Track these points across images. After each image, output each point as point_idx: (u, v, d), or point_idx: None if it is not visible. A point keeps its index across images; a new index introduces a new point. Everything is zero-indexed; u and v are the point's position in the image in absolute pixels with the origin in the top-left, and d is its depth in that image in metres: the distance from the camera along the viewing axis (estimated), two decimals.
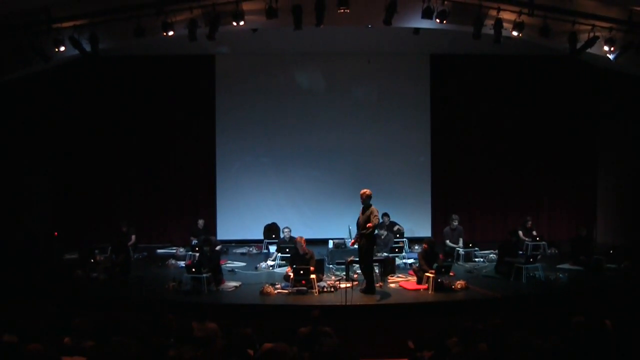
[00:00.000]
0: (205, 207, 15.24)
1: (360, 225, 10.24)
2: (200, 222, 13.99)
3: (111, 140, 15.12)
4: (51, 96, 14.62)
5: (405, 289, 10.71)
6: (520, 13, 10.72)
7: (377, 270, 11.23)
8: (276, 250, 12.72)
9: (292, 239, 12.14)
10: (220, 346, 6.60)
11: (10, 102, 13.43)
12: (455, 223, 13.31)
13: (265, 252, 14.00)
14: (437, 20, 10.75)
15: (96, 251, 12.34)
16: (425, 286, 10.52)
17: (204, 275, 10.33)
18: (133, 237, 13.66)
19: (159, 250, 14.31)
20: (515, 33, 10.88)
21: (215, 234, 14.65)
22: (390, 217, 13.87)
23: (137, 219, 14.39)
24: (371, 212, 10.09)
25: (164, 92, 15.24)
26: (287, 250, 12.06)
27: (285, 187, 15.39)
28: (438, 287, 10.36)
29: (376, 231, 10.96)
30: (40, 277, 11.42)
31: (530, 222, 13.88)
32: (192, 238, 13.64)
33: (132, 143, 15.24)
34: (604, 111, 15.40)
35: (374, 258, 10.83)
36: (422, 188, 15.48)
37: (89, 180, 15.00)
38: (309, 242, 11.98)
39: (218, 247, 12.82)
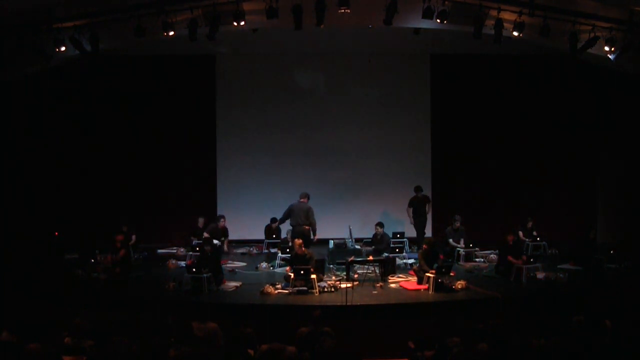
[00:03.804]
0: (206, 207, 15.22)
1: None
2: (201, 220, 13.97)
3: (111, 140, 15.12)
4: (51, 96, 14.61)
5: (405, 289, 10.71)
6: (520, 13, 10.71)
7: (377, 270, 11.27)
8: (278, 248, 12.78)
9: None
10: (220, 346, 6.62)
11: (10, 101, 13.42)
12: (458, 223, 13.32)
13: (266, 252, 14.01)
14: (438, 21, 10.74)
15: (97, 251, 12.33)
16: (426, 286, 10.52)
17: (205, 275, 10.32)
18: (133, 236, 13.65)
19: (159, 250, 14.30)
20: (515, 33, 10.87)
21: None
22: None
23: (137, 219, 14.37)
24: None
25: (164, 92, 15.24)
26: (288, 250, 12.07)
27: (285, 186, 15.35)
28: (438, 287, 10.36)
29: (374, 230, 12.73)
30: (40, 277, 11.42)
31: (530, 222, 13.88)
32: (192, 238, 13.64)
33: (133, 143, 15.24)
34: (605, 111, 15.39)
35: (375, 258, 11.44)
36: (422, 188, 15.44)
37: (89, 180, 14.99)
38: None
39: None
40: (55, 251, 13.44)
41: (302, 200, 12.70)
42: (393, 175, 15.47)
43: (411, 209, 13.97)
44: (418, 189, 14.00)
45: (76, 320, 6.91)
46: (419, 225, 13.96)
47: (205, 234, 13.10)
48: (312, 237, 12.40)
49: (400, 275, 11.67)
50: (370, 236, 13.07)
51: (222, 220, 13.62)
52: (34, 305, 9.72)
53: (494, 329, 6.70)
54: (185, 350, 6.05)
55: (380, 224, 12.84)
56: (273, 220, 14.11)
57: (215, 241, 12.96)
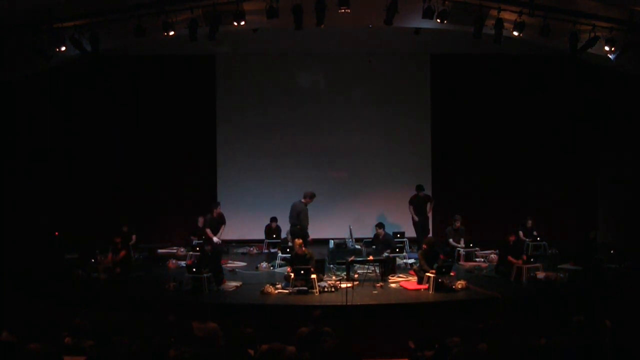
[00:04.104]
0: (206, 207, 15.20)
1: None
2: (201, 219, 13.96)
3: (111, 140, 15.13)
4: (51, 96, 14.62)
5: (405, 288, 10.71)
6: (520, 13, 10.71)
7: (377, 270, 11.27)
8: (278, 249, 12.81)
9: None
10: (220, 346, 6.61)
11: (10, 101, 13.42)
12: (458, 223, 13.33)
13: (266, 252, 14.02)
14: (438, 21, 10.75)
15: (97, 251, 12.34)
16: (426, 286, 10.52)
17: (205, 275, 10.32)
18: (134, 236, 13.65)
19: (159, 250, 14.31)
20: (515, 33, 10.87)
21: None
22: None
23: (137, 219, 14.38)
24: None
25: (164, 92, 15.25)
26: (288, 250, 12.07)
27: (286, 186, 15.37)
28: (438, 287, 10.36)
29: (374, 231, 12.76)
30: (40, 277, 11.42)
31: (530, 222, 13.88)
32: (192, 237, 13.64)
33: (133, 143, 15.25)
34: (605, 111, 15.39)
35: (375, 258, 11.49)
36: (424, 187, 15.44)
37: (89, 180, 15.00)
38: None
39: None
40: (55, 251, 13.44)
41: (302, 200, 12.71)
42: (393, 175, 15.48)
43: (412, 207, 13.97)
44: (419, 188, 13.99)
45: (76, 320, 6.91)
46: (419, 225, 13.97)
47: (208, 231, 13.02)
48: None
49: (400, 275, 11.67)
50: (371, 236, 13.07)
51: (217, 207, 13.42)
52: (34, 305, 9.73)
53: (494, 329, 6.69)
54: (185, 350, 6.04)
55: (380, 225, 12.81)
56: (273, 219, 14.13)
57: (215, 239, 12.92)
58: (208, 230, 13.10)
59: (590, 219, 15.50)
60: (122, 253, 11.91)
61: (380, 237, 12.67)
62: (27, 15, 10.54)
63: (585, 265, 11.95)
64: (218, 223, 13.34)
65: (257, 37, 12.63)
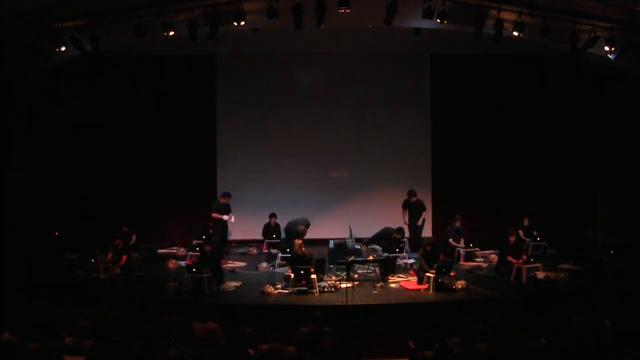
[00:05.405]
0: (206, 207, 15.21)
1: None
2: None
3: (111, 140, 15.12)
4: (51, 96, 14.61)
5: (405, 288, 10.72)
6: (520, 13, 10.72)
7: (377, 270, 11.27)
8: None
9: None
10: (220, 346, 6.61)
11: (10, 101, 13.42)
12: (458, 223, 13.33)
13: (266, 252, 14.02)
14: (438, 21, 10.75)
15: (97, 251, 12.35)
16: (426, 286, 10.52)
17: (205, 275, 10.32)
18: (134, 236, 13.65)
19: (159, 250, 14.31)
20: (515, 33, 10.88)
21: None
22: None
23: (137, 219, 14.37)
24: None
25: (164, 92, 15.25)
26: (288, 250, 12.08)
27: (285, 186, 15.41)
28: (438, 287, 10.36)
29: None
30: (40, 277, 11.42)
31: (526, 221, 13.88)
32: (205, 223, 13.60)
33: (133, 143, 15.24)
34: (604, 111, 15.39)
35: (375, 258, 11.48)
36: (422, 188, 15.43)
37: (90, 180, 14.99)
38: (310, 242, 12.03)
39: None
40: (55, 251, 13.44)
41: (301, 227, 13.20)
42: (393, 175, 15.48)
43: (407, 211, 13.92)
44: (411, 193, 13.87)
45: (80, 320, 6.92)
46: (412, 229, 13.88)
47: (215, 215, 12.89)
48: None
49: (400, 275, 11.68)
50: (370, 235, 13.08)
51: (226, 198, 13.22)
52: (35, 305, 9.73)
53: (494, 329, 6.70)
54: (185, 350, 6.05)
55: (400, 231, 12.80)
56: (272, 215, 14.13)
57: (225, 217, 12.85)
58: (215, 215, 12.92)
59: (590, 219, 15.49)
60: (124, 258, 11.88)
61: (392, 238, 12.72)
62: (27, 15, 10.54)
63: (585, 265, 11.95)
64: (225, 211, 13.13)
65: (257, 37, 12.64)
